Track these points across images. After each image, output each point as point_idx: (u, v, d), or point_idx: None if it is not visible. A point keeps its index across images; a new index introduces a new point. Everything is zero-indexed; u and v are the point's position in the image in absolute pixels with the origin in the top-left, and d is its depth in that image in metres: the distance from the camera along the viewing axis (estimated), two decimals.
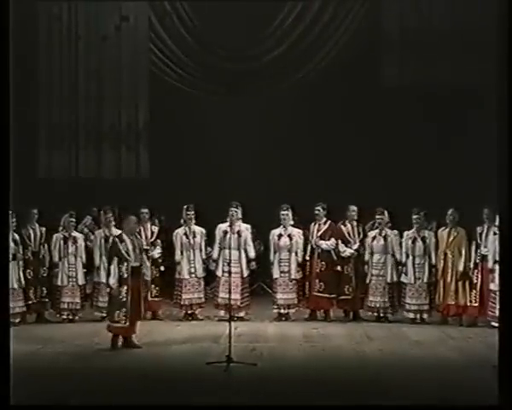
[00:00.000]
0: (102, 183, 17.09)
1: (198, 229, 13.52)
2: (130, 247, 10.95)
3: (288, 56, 17.12)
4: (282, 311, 13.37)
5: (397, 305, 13.26)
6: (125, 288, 10.88)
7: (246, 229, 13.33)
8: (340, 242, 13.41)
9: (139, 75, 17.33)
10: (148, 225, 13.69)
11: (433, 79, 16.61)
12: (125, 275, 10.85)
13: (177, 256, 13.43)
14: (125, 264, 10.87)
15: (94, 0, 17.17)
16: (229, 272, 11.88)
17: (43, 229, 13.33)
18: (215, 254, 13.37)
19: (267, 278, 14.51)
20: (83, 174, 17.39)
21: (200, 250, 13.47)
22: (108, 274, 10.98)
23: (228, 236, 13.01)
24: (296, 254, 13.39)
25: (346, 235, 13.49)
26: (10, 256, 12.70)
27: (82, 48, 17.31)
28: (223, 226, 13.23)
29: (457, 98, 16.36)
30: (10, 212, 12.54)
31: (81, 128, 17.45)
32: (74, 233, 13.44)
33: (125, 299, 10.87)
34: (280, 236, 13.45)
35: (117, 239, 11.05)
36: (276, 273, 13.45)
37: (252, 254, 13.33)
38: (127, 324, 10.91)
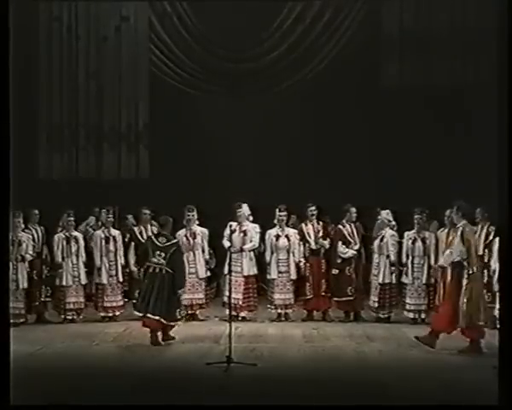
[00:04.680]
0: (102, 183, 17.07)
1: (199, 230, 13.40)
2: None
3: (288, 57, 17.12)
4: (280, 311, 13.36)
5: (388, 305, 13.18)
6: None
7: (252, 228, 13.33)
8: (340, 243, 13.39)
9: (139, 75, 17.34)
10: (149, 226, 13.66)
11: (432, 80, 16.61)
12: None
13: None
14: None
15: (94, 0, 17.18)
16: (230, 271, 11.90)
17: (42, 228, 13.32)
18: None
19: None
20: (83, 175, 17.38)
21: (203, 251, 13.38)
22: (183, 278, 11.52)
23: (234, 234, 13.10)
24: (294, 254, 13.38)
25: (347, 236, 13.46)
26: (19, 257, 12.75)
27: (82, 48, 17.32)
28: (233, 225, 13.24)
29: (457, 98, 16.34)
30: (17, 212, 12.60)
31: (81, 128, 17.45)
32: (75, 233, 13.40)
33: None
34: (278, 236, 13.41)
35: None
36: (273, 274, 13.41)
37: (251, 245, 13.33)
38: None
